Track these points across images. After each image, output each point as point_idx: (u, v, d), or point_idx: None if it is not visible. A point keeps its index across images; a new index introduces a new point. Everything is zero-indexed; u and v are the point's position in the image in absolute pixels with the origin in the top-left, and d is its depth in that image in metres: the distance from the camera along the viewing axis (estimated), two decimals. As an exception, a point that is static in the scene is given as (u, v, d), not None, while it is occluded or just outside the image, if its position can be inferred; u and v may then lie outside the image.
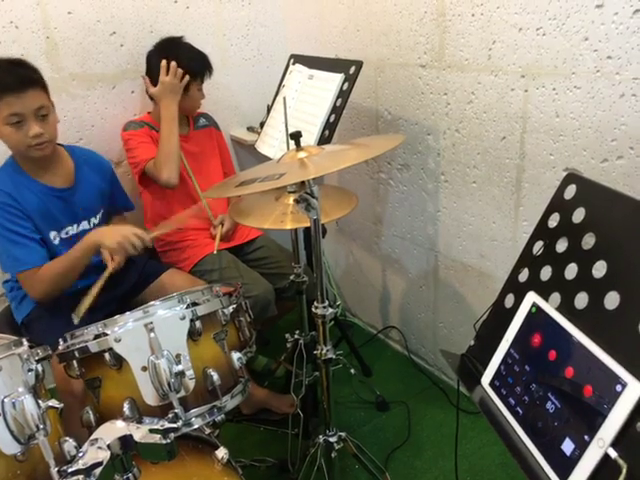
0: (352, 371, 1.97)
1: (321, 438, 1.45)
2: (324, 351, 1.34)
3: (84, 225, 1.65)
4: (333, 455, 1.45)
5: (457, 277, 1.97)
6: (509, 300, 0.97)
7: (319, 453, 1.46)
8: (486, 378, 0.95)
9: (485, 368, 0.96)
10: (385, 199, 2.19)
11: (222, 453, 1.14)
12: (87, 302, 1.45)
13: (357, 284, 2.56)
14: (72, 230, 1.61)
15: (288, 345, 1.85)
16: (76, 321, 1.42)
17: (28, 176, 1.54)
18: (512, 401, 0.87)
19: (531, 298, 0.89)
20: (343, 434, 1.48)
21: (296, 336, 1.83)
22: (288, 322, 2.10)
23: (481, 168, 1.74)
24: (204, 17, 2.20)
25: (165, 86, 1.84)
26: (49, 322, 1.55)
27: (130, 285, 1.76)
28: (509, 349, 0.91)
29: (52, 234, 1.58)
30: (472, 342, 1.04)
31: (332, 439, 1.44)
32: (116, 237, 1.43)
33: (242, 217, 1.51)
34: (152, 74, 1.89)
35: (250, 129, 2.38)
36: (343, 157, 1.25)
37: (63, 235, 1.60)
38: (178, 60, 1.85)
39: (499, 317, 0.98)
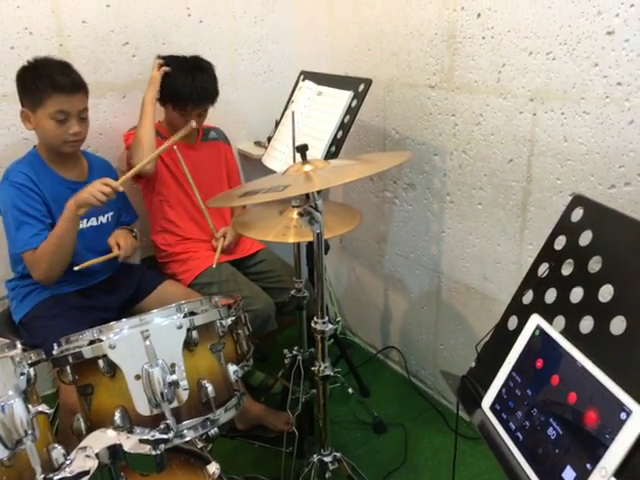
0: (350, 390, 1.94)
1: (315, 457, 1.42)
2: (322, 367, 1.32)
3: (92, 222, 1.72)
4: (327, 476, 1.42)
5: (459, 299, 1.95)
6: (512, 322, 0.95)
7: (313, 473, 1.43)
8: (487, 401, 0.93)
9: (486, 391, 0.94)
10: (389, 218, 2.18)
11: (214, 468, 1.12)
12: (89, 263, 1.62)
13: (358, 303, 2.54)
14: (82, 224, 1.64)
15: (286, 361, 1.83)
16: (76, 268, 1.57)
17: (48, 166, 1.65)
18: (512, 426, 0.85)
19: (535, 320, 0.88)
20: (338, 454, 1.44)
21: (295, 352, 1.81)
22: (287, 338, 2.08)
23: (487, 190, 1.73)
24: (217, 31, 2.22)
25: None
26: (47, 323, 1.56)
27: (128, 295, 1.79)
28: (511, 372, 0.89)
29: None
30: (473, 364, 1.02)
31: (327, 459, 1.42)
32: (87, 190, 1.50)
33: (245, 229, 1.51)
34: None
35: (257, 143, 2.39)
36: (349, 171, 1.24)
37: None
38: (175, 81, 1.87)
39: (501, 339, 0.96)
